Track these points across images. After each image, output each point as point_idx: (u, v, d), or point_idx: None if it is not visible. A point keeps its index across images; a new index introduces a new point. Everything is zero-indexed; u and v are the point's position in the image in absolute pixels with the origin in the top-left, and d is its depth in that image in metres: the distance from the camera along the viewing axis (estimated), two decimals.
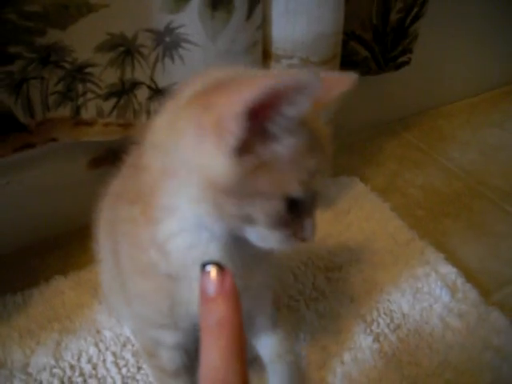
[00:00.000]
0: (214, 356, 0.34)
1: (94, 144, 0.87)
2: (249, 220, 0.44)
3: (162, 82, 0.79)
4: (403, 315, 0.82)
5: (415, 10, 0.98)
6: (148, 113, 0.83)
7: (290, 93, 0.38)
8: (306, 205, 0.46)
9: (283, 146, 0.42)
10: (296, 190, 0.43)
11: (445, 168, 1.18)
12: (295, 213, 0.45)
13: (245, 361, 0.35)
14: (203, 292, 0.36)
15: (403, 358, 0.76)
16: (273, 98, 0.38)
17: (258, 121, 0.40)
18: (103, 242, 0.65)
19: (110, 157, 0.87)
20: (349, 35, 0.97)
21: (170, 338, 0.60)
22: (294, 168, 0.43)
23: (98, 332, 0.79)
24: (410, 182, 1.13)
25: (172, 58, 0.75)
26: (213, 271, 0.37)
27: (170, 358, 0.62)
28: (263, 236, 0.46)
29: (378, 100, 1.23)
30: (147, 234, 0.49)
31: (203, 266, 0.37)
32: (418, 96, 1.33)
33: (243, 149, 0.40)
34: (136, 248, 0.52)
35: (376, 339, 0.78)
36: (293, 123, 0.41)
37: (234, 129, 0.39)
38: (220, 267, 0.37)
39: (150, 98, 0.82)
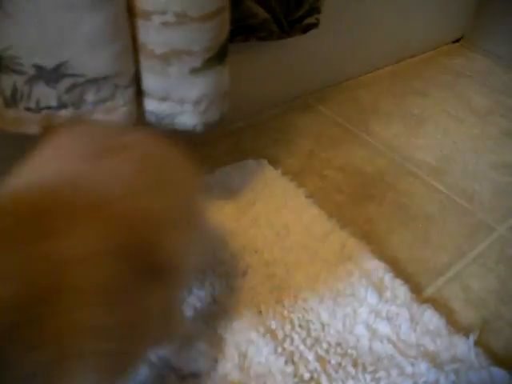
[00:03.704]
0: None
1: None
2: None
3: None
4: (322, 326, 0.68)
5: None
6: None
7: None
8: None
9: None
10: None
11: (366, 144, 1.05)
12: None
13: None
14: None
15: (323, 381, 0.62)
16: None
17: None
18: None
19: None
20: None
21: None
22: None
23: None
24: (327, 162, 0.98)
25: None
26: None
27: None
28: None
29: (286, 71, 1.07)
30: None
31: None
32: (333, 65, 1.19)
33: None
34: None
35: (290, 360, 0.63)
36: None
37: None
38: None
39: None
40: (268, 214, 0.82)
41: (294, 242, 0.78)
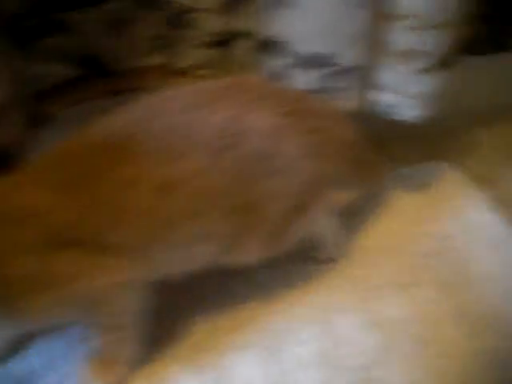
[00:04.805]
0: None
1: None
2: None
3: (270, 32, 0.72)
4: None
5: None
6: (252, 66, 0.77)
7: None
8: None
9: None
10: None
11: None
12: None
13: None
14: None
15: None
16: None
17: None
18: None
19: None
20: None
21: None
22: None
23: None
24: None
25: (285, 4, 0.69)
26: None
27: None
28: None
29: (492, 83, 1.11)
30: None
31: None
32: None
33: None
34: None
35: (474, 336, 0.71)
36: None
37: None
38: None
39: (255, 50, 0.76)
40: (452, 208, 0.90)
41: (477, 236, 0.86)
